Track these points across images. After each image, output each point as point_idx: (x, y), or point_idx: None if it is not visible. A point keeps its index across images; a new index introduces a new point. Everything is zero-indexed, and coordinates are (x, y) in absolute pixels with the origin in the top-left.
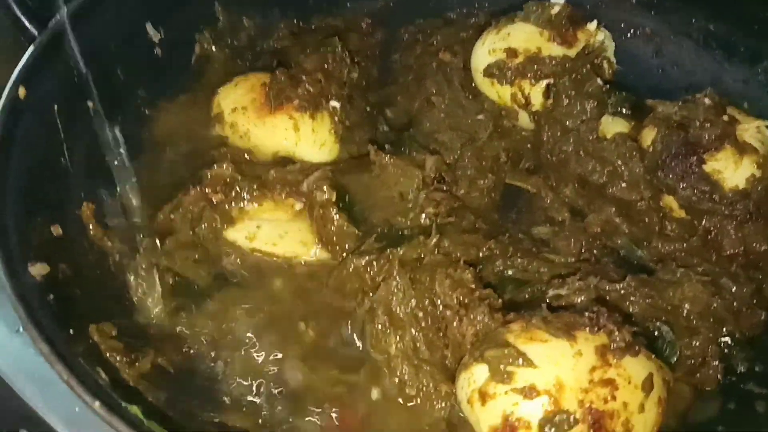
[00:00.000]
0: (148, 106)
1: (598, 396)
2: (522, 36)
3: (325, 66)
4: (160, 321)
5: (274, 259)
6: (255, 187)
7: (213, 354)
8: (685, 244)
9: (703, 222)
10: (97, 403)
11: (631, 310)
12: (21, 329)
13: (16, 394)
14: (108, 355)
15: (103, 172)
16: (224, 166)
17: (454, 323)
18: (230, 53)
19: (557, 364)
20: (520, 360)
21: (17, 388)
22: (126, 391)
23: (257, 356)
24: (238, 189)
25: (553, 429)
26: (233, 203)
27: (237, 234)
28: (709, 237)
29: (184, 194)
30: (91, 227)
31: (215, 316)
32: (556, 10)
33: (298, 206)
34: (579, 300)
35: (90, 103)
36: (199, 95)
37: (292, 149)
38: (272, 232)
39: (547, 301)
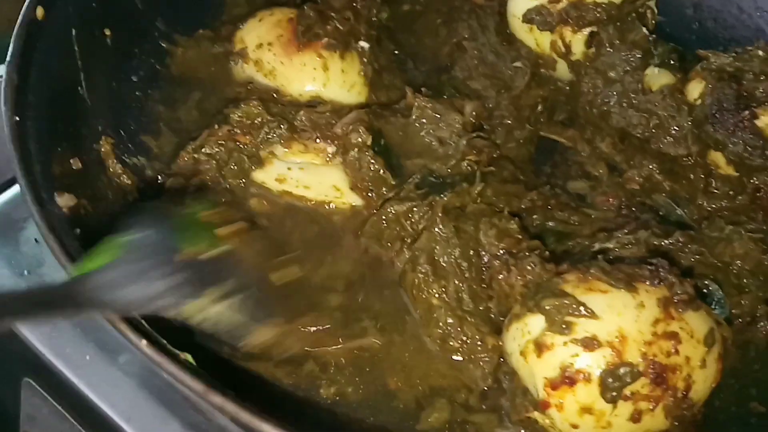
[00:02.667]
0: (166, 40)
1: (661, 349)
2: None
3: (354, 4)
4: None
5: (306, 203)
6: (284, 128)
7: None
8: (730, 203)
9: (753, 179)
10: (143, 342)
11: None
12: (27, 272)
13: (21, 341)
14: None
15: (120, 106)
16: (252, 104)
17: (502, 274)
18: None
19: (620, 315)
20: (581, 310)
21: (23, 335)
22: (172, 335)
23: None
24: (266, 131)
25: (615, 382)
26: (262, 145)
27: (266, 176)
28: (757, 195)
29: (209, 134)
30: (110, 163)
31: None
32: None
33: (331, 150)
34: (628, 254)
35: (107, 31)
36: (220, 31)
37: (320, 90)
38: (303, 176)
39: (595, 253)
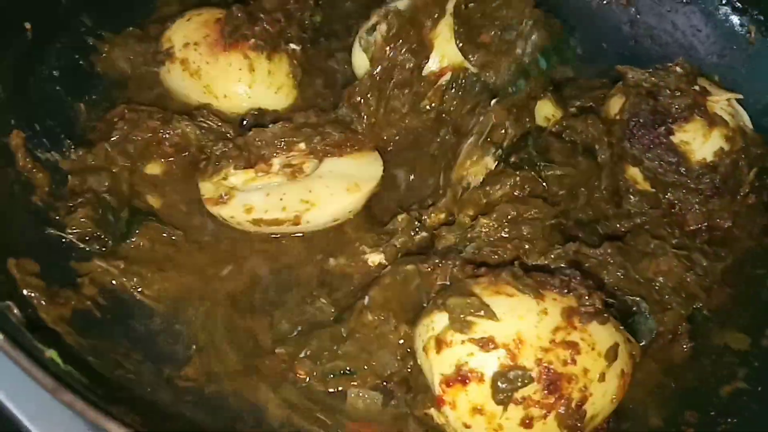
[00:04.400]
0: (92, 36)
1: (558, 357)
2: None
3: (287, 6)
4: (93, 265)
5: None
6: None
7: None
8: (646, 217)
9: (668, 195)
10: (0, 336)
11: (606, 279)
12: None
13: None
14: (26, 292)
15: (37, 100)
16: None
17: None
18: None
19: (520, 318)
20: (482, 311)
21: None
22: (43, 333)
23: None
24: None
25: (506, 384)
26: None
27: (231, 210)
28: (672, 211)
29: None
30: (19, 156)
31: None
32: None
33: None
34: (554, 265)
35: (28, 24)
36: (150, 29)
37: (246, 91)
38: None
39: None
